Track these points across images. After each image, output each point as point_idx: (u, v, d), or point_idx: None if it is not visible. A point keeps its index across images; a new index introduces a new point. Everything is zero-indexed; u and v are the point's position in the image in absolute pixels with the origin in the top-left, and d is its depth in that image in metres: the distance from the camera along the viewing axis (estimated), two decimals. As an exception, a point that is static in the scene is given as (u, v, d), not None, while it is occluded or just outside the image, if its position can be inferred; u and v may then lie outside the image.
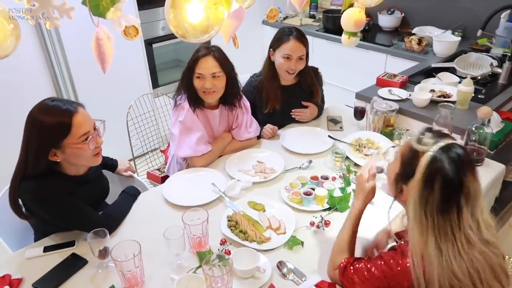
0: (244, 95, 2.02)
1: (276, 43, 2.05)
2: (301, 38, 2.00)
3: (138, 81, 3.19)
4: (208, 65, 1.75)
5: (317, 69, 2.26)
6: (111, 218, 1.50)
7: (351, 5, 1.39)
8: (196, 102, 1.85)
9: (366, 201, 1.28)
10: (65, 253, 1.41)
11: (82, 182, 1.48)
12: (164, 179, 2.28)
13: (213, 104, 1.93)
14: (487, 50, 2.82)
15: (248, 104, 2.03)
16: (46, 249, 1.42)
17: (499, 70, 2.40)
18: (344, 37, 1.49)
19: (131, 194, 1.66)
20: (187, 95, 1.84)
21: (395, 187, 1.13)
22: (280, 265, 1.32)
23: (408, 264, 1.03)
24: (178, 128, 1.84)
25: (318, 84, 2.22)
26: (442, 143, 1.01)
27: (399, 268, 1.05)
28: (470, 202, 0.99)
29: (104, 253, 1.33)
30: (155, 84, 3.40)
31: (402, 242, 1.12)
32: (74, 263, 1.37)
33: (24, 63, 2.59)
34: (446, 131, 1.80)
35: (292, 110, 2.18)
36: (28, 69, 2.64)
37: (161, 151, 2.62)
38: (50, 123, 1.30)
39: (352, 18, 1.39)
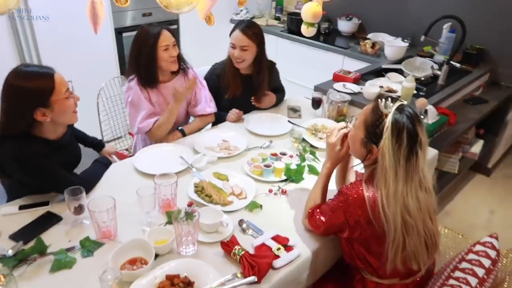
0: (206, 82, 2.23)
1: (230, 33, 2.24)
2: (246, 30, 2.15)
3: (107, 68, 3.26)
4: (168, 36, 1.97)
5: (274, 63, 2.44)
6: (84, 182, 1.59)
7: (310, 0, 1.60)
8: (151, 80, 2.01)
9: (335, 163, 1.52)
10: (39, 211, 1.50)
11: (57, 147, 1.57)
12: (131, 158, 2.39)
13: (166, 78, 2.10)
14: (431, 56, 3.15)
15: (204, 81, 2.23)
16: (22, 207, 1.51)
17: (438, 72, 2.72)
18: (303, 27, 1.70)
19: (103, 163, 1.77)
20: (144, 75, 1.99)
21: (363, 150, 1.32)
22: (241, 222, 1.49)
23: (363, 193, 1.26)
24: (128, 110, 2.02)
25: (269, 76, 2.35)
26: (396, 105, 1.25)
27: (355, 196, 1.28)
28: (422, 149, 1.25)
29: (79, 209, 1.44)
30: (124, 72, 3.47)
31: (355, 181, 1.38)
32: (50, 219, 1.47)
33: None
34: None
35: (252, 97, 2.35)
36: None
37: (129, 133, 2.73)
38: (35, 86, 1.40)
39: (310, 10, 1.60)
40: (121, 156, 2.41)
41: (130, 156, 2.36)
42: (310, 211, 1.45)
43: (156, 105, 2.08)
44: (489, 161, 3.33)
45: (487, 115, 2.75)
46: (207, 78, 2.34)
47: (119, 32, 3.30)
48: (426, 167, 1.30)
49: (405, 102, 1.28)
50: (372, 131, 1.28)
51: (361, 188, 1.29)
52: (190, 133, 2.15)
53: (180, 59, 2.08)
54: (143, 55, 1.95)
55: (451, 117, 2.37)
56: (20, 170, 1.46)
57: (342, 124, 1.51)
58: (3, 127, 1.44)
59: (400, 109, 1.24)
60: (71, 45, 2.97)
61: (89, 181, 1.64)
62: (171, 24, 3.67)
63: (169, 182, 1.50)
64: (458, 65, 2.96)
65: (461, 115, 2.53)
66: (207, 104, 2.20)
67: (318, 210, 1.43)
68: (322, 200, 1.49)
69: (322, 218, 1.39)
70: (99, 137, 2.53)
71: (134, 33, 3.35)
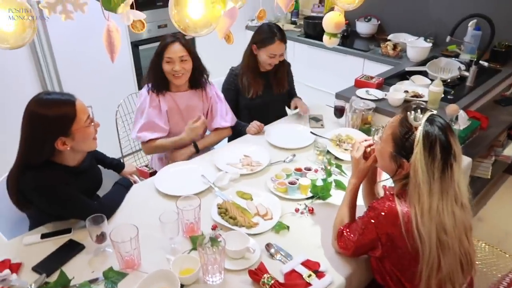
0: (226, 87, 2.26)
1: (260, 43, 2.21)
2: (283, 38, 2.21)
3: (125, 81, 3.25)
4: (176, 50, 1.93)
5: (289, 64, 2.49)
6: (105, 207, 1.57)
7: (332, 9, 1.52)
8: (160, 87, 2.01)
9: (361, 178, 1.45)
10: (62, 239, 1.47)
11: (78, 173, 1.55)
12: (152, 175, 2.34)
13: (182, 88, 2.08)
14: (456, 56, 3.02)
15: (221, 95, 2.20)
16: (44, 235, 1.48)
17: (466, 73, 2.59)
18: (325, 37, 1.62)
19: (124, 185, 1.73)
20: (153, 80, 2.00)
21: (392, 164, 1.25)
22: (268, 246, 1.42)
23: (396, 207, 1.19)
24: (135, 113, 2.04)
25: (287, 75, 2.46)
26: (426, 116, 1.18)
27: (386, 210, 1.20)
28: (456, 161, 1.18)
29: (101, 238, 1.40)
30: (141, 85, 3.46)
31: (385, 196, 1.28)
32: (72, 248, 1.43)
33: (10, 61, 2.63)
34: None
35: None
36: (15, 67, 2.67)
37: (149, 149, 2.69)
38: (57, 114, 1.38)
39: (332, 21, 1.52)
40: (142, 173, 2.38)
41: (151, 173, 2.35)
42: (339, 231, 1.38)
43: (167, 113, 2.08)
44: (522, 163, 3.16)
45: (520, 116, 2.61)
46: (227, 81, 2.38)
47: (135, 45, 3.28)
48: (462, 179, 1.22)
49: (435, 112, 1.21)
50: (402, 145, 1.21)
51: (393, 202, 1.21)
52: (204, 147, 2.11)
53: (195, 74, 2.05)
54: (152, 61, 1.98)
55: (483, 121, 2.25)
56: (42, 199, 1.44)
57: (364, 136, 1.44)
58: (23, 158, 1.42)
59: (430, 120, 1.18)
60: (88, 60, 2.97)
61: (111, 206, 1.60)
62: (186, 34, 3.63)
63: (192, 206, 1.45)
64: (486, 64, 2.82)
65: (492, 118, 2.40)
66: (222, 118, 2.17)
67: (347, 230, 1.35)
68: (350, 218, 1.42)
69: (352, 237, 1.32)
70: (118, 153, 2.52)
71: (150, 45, 3.43)
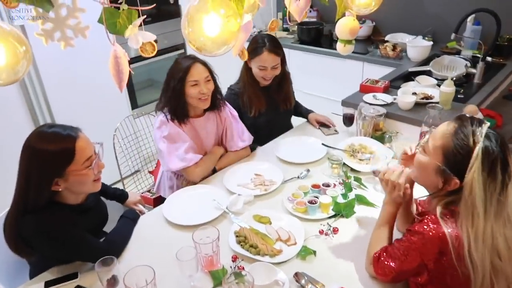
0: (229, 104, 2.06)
1: (251, 54, 2.09)
2: (274, 49, 2.06)
3: (118, 102, 3.12)
4: (200, 71, 1.79)
5: (289, 72, 2.33)
6: (114, 245, 1.44)
7: (344, 15, 1.42)
8: (182, 115, 1.85)
9: (399, 205, 1.33)
10: (68, 286, 1.34)
11: (82, 211, 1.41)
12: (156, 200, 2.22)
13: (199, 113, 1.93)
14: (457, 52, 2.95)
15: (235, 113, 2.05)
16: (48, 284, 1.34)
17: (473, 70, 2.52)
18: (339, 45, 1.52)
19: (131, 218, 1.60)
20: (174, 108, 1.83)
21: (437, 179, 1.14)
22: (297, 276, 1.30)
23: (443, 230, 1.07)
24: (164, 144, 1.83)
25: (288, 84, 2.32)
26: (485, 129, 1.06)
27: (431, 233, 1.09)
28: (511, 181, 1.07)
29: (113, 282, 1.26)
30: (134, 105, 3.33)
31: (428, 217, 1.14)
32: (81, 296, 1.30)
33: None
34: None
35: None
36: (0, 96, 2.52)
37: (149, 172, 2.56)
38: (53, 151, 1.23)
39: (347, 27, 1.43)
40: (145, 200, 2.25)
41: (155, 199, 2.22)
42: (375, 256, 1.26)
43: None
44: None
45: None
46: (228, 99, 2.18)
47: (126, 64, 3.15)
48: None
49: (488, 124, 1.09)
50: (454, 159, 1.08)
51: (438, 224, 1.10)
52: (221, 168, 1.97)
53: (215, 94, 1.91)
54: (173, 90, 1.80)
55: (497, 119, 2.16)
56: (46, 244, 1.30)
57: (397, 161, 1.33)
58: (22, 199, 1.27)
59: (487, 135, 1.06)
60: (77, 82, 2.83)
61: (119, 243, 1.47)
62: (178, 49, 3.53)
63: (210, 238, 1.32)
64: (489, 59, 2.75)
65: (505, 115, 2.31)
66: (239, 139, 2.02)
67: (384, 254, 1.23)
68: (388, 241, 1.30)
69: (392, 264, 1.19)
70: (117, 176, 2.38)
71: (142, 63, 3.31)
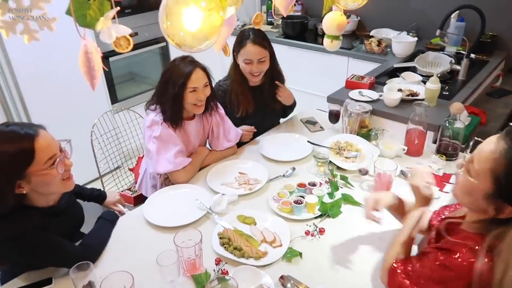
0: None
1: (236, 48, 2.03)
2: (259, 41, 1.97)
3: (97, 97, 3.01)
4: (199, 77, 1.72)
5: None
6: (90, 249, 1.37)
7: (330, 9, 1.38)
8: (177, 119, 1.77)
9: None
10: (42, 293, 1.27)
11: (55, 214, 1.33)
12: (136, 199, 2.15)
13: (191, 115, 1.86)
14: (441, 49, 2.95)
15: (223, 111, 1.97)
16: (20, 290, 1.27)
17: (458, 67, 2.51)
18: (326, 41, 1.48)
19: (109, 220, 1.53)
20: (170, 113, 1.74)
21: (487, 206, 0.98)
22: (283, 280, 1.26)
23: (473, 261, 0.95)
24: (154, 144, 1.74)
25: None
26: None
27: (463, 266, 0.96)
28: None
29: (89, 288, 1.20)
30: (114, 99, 3.23)
31: (465, 248, 0.99)
32: (55, 303, 1.23)
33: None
34: (422, 128, 1.85)
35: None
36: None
37: (130, 169, 2.48)
38: (10, 152, 1.13)
39: (334, 22, 1.38)
40: (125, 199, 2.17)
41: (135, 198, 2.15)
42: (392, 268, 1.11)
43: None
44: None
45: (512, 107, 2.55)
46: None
47: (105, 57, 3.04)
48: None
49: None
50: (508, 186, 0.93)
51: (475, 255, 0.96)
52: (206, 165, 1.91)
53: (209, 99, 1.83)
54: (169, 95, 1.71)
55: (481, 116, 2.16)
56: (15, 251, 1.22)
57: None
58: None
59: None
60: (53, 77, 2.71)
61: (96, 247, 1.40)
62: (159, 42, 3.44)
63: (193, 241, 1.27)
64: (473, 55, 2.75)
65: (488, 112, 2.32)
66: (225, 139, 1.96)
67: (402, 269, 1.08)
68: (405, 254, 1.15)
69: (408, 283, 1.05)
70: (95, 174, 2.29)
71: (121, 56, 3.20)
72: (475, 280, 0.94)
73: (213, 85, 1.87)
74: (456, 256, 0.98)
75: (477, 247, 0.97)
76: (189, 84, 1.69)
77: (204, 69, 1.75)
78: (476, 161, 0.98)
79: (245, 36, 1.99)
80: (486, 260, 0.94)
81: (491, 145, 0.96)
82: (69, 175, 1.31)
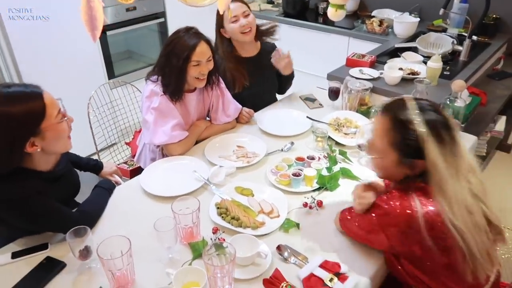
0: None
1: (219, 20, 2.00)
2: None
3: (93, 71, 2.97)
4: (204, 51, 1.68)
5: (273, 43, 2.23)
6: (87, 215, 1.36)
7: (335, -23, 1.35)
8: (178, 92, 1.74)
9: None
10: (37, 258, 1.26)
11: (52, 179, 1.31)
12: (133, 172, 2.13)
13: (191, 88, 1.83)
14: (443, 30, 2.92)
15: (223, 85, 1.94)
16: (15, 254, 1.26)
17: (460, 48, 2.49)
18: (331, 10, 1.45)
19: (106, 188, 1.52)
20: (172, 85, 1.71)
21: (403, 170, 1.14)
22: (280, 249, 1.26)
23: (412, 209, 1.06)
24: (152, 115, 1.71)
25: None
26: (413, 105, 1.10)
27: (398, 211, 1.08)
28: (456, 133, 1.10)
29: (85, 253, 1.19)
30: (111, 74, 3.18)
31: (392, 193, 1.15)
32: (51, 268, 1.22)
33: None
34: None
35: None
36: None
37: (126, 143, 2.46)
38: (23, 111, 1.13)
39: (339, -11, 1.35)
40: (122, 172, 2.15)
41: (132, 171, 2.13)
42: (342, 215, 1.31)
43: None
44: (508, 137, 3.14)
45: (512, 89, 2.54)
46: None
47: (103, 31, 2.97)
48: (464, 146, 1.13)
49: (411, 96, 1.16)
50: (408, 147, 1.09)
51: (408, 203, 1.08)
52: (204, 139, 1.90)
53: (211, 73, 1.80)
54: (172, 67, 1.67)
55: (482, 97, 2.15)
56: (14, 213, 1.21)
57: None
58: None
59: (420, 108, 1.09)
60: (50, 51, 2.67)
61: (93, 213, 1.39)
62: (158, 18, 3.37)
63: (190, 209, 1.26)
64: (475, 37, 2.73)
65: (489, 93, 2.31)
66: (224, 114, 1.94)
67: (350, 217, 1.27)
68: None
69: (359, 231, 1.24)
70: (92, 149, 2.27)
71: (119, 30, 3.14)
72: (421, 221, 1.05)
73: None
74: (389, 200, 1.11)
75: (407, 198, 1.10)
76: (193, 57, 1.66)
77: (209, 42, 1.71)
78: (375, 141, 1.16)
79: None
80: (425, 204, 1.07)
81: (378, 124, 1.15)
82: (70, 134, 1.31)
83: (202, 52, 1.67)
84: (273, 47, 2.19)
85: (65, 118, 1.24)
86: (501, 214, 2.53)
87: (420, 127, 1.05)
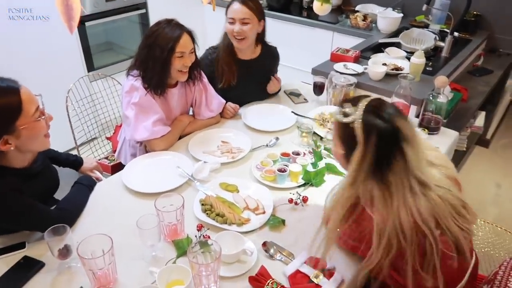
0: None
1: (226, 10, 1.95)
2: (246, 1, 1.89)
3: (71, 63, 2.88)
4: (187, 42, 1.65)
5: (276, 47, 2.19)
6: (66, 213, 1.31)
7: (321, -29, 1.33)
8: (160, 86, 1.70)
9: None
10: (14, 257, 1.21)
11: (29, 176, 1.26)
12: (114, 167, 2.08)
13: (173, 83, 1.79)
14: (425, 26, 2.95)
15: (206, 80, 1.91)
16: (-10, 254, 1.21)
17: (442, 44, 2.52)
18: (316, 4, 1.44)
19: (86, 185, 1.47)
20: (154, 79, 1.67)
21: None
22: (266, 246, 1.25)
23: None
24: (133, 111, 1.67)
25: (274, 61, 2.19)
26: (361, 106, 1.01)
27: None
28: (411, 145, 0.99)
29: (65, 252, 1.16)
30: (90, 67, 3.09)
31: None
32: (28, 267, 1.18)
33: None
34: (405, 102, 1.85)
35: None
36: None
37: (107, 138, 2.40)
38: None
39: (325, -17, 1.33)
40: (102, 167, 2.10)
41: (113, 166, 2.08)
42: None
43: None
44: (487, 132, 3.21)
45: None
46: (202, 64, 2.00)
47: (81, 22, 2.89)
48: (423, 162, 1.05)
49: (365, 100, 1.04)
50: (351, 144, 1.03)
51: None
52: (187, 135, 1.86)
53: (193, 67, 1.76)
54: (156, 59, 1.63)
55: (463, 93, 2.19)
56: None
57: None
58: None
59: (367, 108, 1.01)
60: (26, 43, 2.57)
61: (73, 211, 1.34)
62: (139, 8, 3.30)
63: (174, 206, 1.24)
64: (456, 34, 2.77)
65: (470, 89, 2.35)
66: (207, 108, 1.90)
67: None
68: None
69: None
70: (71, 144, 2.21)
71: (98, 21, 3.06)
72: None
73: (204, 50, 1.80)
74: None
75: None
76: (177, 48, 1.62)
77: (190, 34, 1.68)
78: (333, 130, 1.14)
79: None
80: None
81: (335, 116, 1.10)
82: (48, 132, 1.25)
83: (185, 43, 1.64)
84: (275, 53, 2.16)
85: (43, 117, 1.18)
86: (479, 207, 2.60)
87: (358, 130, 0.99)
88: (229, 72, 2.00)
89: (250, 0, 1.90)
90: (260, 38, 2.05)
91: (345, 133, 1.04)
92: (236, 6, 1.88)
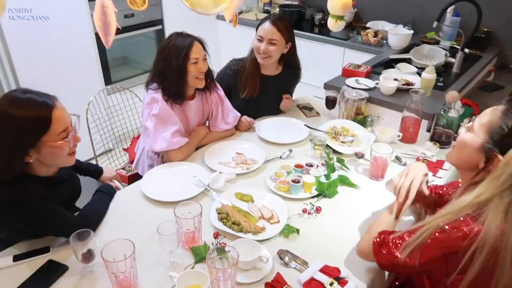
0: (218, 81, 1.98)
1: (258, 26, 2.05)
2: (278, 22, 1.98)
3: (90, 76, 2.98)
4: (199, 49, 1.73)
5: (299, 67, 2.27)
6: (89, 219, 1.37)
7: (335, -10, 1.39)
8: (179, 96, 1.77)
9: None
10: (39, 261, 1.26)
11: (53, 184, 1.32)
12: (131, 178, 2.14)
13: (191, 94, 1.86)
14: (436, 42, 3.00)
15: (222, 93, 1.97)
16: (17, 257, 1.26)
17: (452, 60, 2.56)
18: (331, 21, 1.49)
19: (106, 193, 1.53)
20: (173, 88, 1.74)
21: (479, 156, 1.08)
22: (281, 254, 1.28)
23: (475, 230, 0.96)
24: (152, 122, 1.74)
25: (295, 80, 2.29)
26: None
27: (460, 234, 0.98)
28: None
29: (88, 256, 1.20)
30: (108, 81, 3.20)
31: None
32: (53, 271, 1.22)
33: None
34: (417, 116, 1.88)
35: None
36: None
37: (124, 149, 2.47)
38: (27, 118, 1.13)
39: (340, 1, 1.39)
40: (121, 177, 2.16)
41: (130, 177, 2.14)
42: (378, 240, 1.15)
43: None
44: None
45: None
46: (222, 73, 2.15)
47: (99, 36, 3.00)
48: None
49: None
50: (498, 136, 1.04)
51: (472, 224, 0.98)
52: (203, 146, 1.92)
53: (208, 75, 1.84)
54: (173, 68, 1.70)
55: (474, 108, 2.21)
56: (16, 218, 1.21)
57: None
58: None
59: None
60: (49, 53, 2.67)
61: (95, 217, 1.40)
62: (155, 25, 3.41)
63: (192, 213, 1.28)
64: (467, 50, 2.80)
65: (480, 104, 2.37)
66: (223, 121, 1.96)
67: (389, 239, 1.11)
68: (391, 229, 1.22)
69: (398, 255, 1.07)
70: (90, 154, 2.28)
71: (116, 37, 3.15)
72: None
73: (224, 64, 1.90)
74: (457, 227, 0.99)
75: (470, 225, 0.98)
76: (192, 55, 1.69)
77: (201, 42, 1.76)
78: (477, 120, 1.11)
79: (269, 16, 2.04)
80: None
81: (492, 107, 1.10)
82: (75, 150, 1.31)
83: (198, 50, 1.72)
84: (297, 74, 2.26)
85: (67, 139, 1.21)
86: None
87: None
88: (252, 84, 2.08)
89: (281, 22, 1.99)
90: (285, 58, 2.13)
91: (503, 125, 1.03)
92: (267, 25, 1.97)
